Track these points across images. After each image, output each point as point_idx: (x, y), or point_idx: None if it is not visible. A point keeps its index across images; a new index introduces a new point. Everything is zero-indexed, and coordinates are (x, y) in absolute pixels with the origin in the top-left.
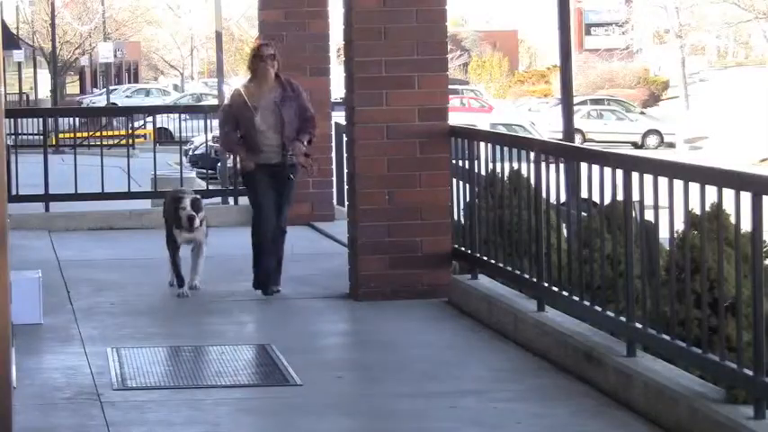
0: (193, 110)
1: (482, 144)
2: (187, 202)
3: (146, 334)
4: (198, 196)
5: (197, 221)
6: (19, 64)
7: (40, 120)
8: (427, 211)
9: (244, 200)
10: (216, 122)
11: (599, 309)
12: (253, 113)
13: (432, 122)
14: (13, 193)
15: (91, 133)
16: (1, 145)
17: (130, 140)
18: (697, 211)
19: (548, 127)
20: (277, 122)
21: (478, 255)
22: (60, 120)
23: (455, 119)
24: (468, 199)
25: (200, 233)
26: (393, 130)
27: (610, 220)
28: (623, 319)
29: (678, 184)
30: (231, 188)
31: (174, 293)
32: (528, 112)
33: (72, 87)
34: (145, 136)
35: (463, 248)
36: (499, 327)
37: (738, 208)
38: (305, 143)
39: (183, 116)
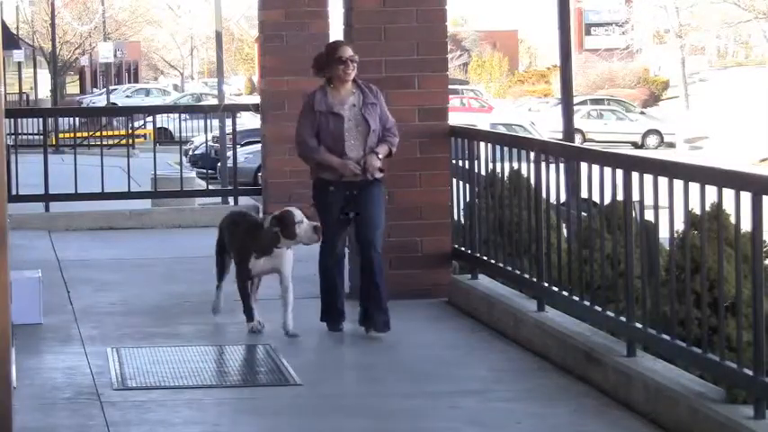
0: (193, 110)
1: (482, 144)
2: (299, 215)
3: (146, 334)
4: (299, 206)
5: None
6: (19, 64)
7: (40, 120)
8: (427, 211)
9: (244, 200)
10: (216, 122)
11: (599, 309)
12: (339, 121)
13: (432, 122)
14: (13, 193)
15: (91, 133)
16: (1, 145)
17: (130, 140)
18: (697, 211)
19: (548, 127)
20: (363, 131)
21: (478, 255)
22: (60, 120)
23: (455, 119)
24: (468, 199)
25: (287, 260)
26: None
27: (610, 220)
28: (623, 319)
29: (678, 184)
30: (231, 188)
31: (230, 323)
32: (528, 112)
33: (72, 87)
34: (145, 136)
35: (463, 248)
36: (499, 327)
37: (738, 208)
38: (381, 156)
39: (182, 116)
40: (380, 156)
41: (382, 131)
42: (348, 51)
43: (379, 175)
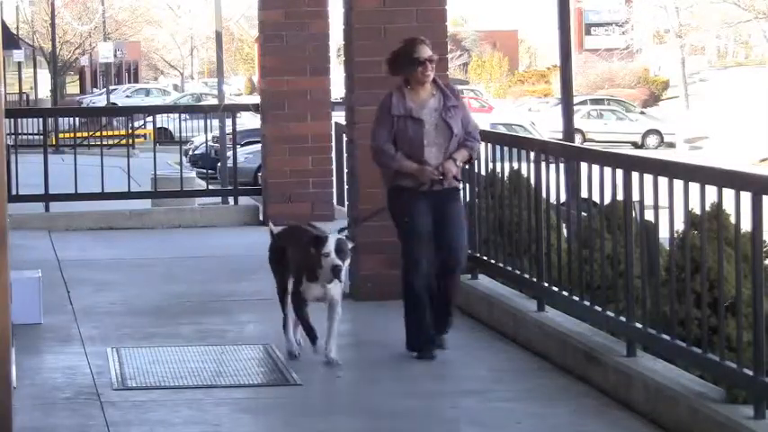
0: (193, 110)
1: (482, 144)
2: (331, 246)
3: (146, 334)
4: (343, 236)
5: (342, 273)
6: (19, 64)
7: (40, 120)
8: None
9: (244, 200)
10: (216, 122)
11: (599, 309)
12: (419, 126)
13: None
14: (13, 193)
15: (91, 133)
16: (1, 145)
17: (130, 140)
18: (697, 211)
19: (548, 127)
20: (444, 136)
21: (478, 255)
22: (60, 120)
23: None
24: (468, 199)
25: (339, 290)
26: None
27: (610, 220)
28: (623, 319)
29: (678, 184)
30: (231, 188)
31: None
32: (528, 112)
33: (72, 87)
34: (145, 136)
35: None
36: (499, 327)
37: (738, 208)
38: (459, 162)
39: (182, 116)
40: (459, 162)
41: (463, 135)
42: (426, 51)
43: (455, 183)
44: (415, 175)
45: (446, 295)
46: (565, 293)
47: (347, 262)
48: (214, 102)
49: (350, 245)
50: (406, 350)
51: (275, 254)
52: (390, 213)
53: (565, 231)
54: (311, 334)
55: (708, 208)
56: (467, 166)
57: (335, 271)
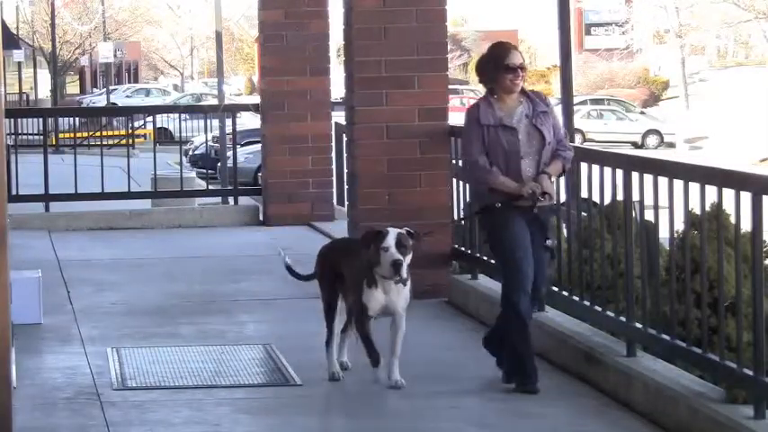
0: (193, 110)
1: None
2: (391, 240)
3: (146, 334)
4: (404, 230)
5: (403, 269)
6: (19, 64)
7: (40, 120)
8: (427, 211)
9: (244, 200)
10: (216, 122)
11: (599, 309)
12: (513, 135)
13: (432, 122)
14: (13, 193)
15: (91, 133)
16: (1, 145)
17: (130, 140)
18: (697, 211)
19: None
20: (537, 145)
21: (478, 255)
22: (60, 120)
23: (455, 119)
24: (468, 199)
25: (403, 302)
26: (393, 130)
27: (610, 220)
28: (623, 319)
29: (678, 184)
30: (231, 188)
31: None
32: None
33: (72, 87)
34: (145, 136)
35: (463, 248)
36: None
37: (738, 208)
38: (553, 177)
39: (182, 116)
40: (553, 177)
41: (555, 144)
42: (518, 58)
43: (548, 201)
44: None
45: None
46: (565, 293)
47: (408, 257)
48: (214, 102)
49: (411, 241)
50: (503, 381)
51: (325, 269)
52: (487, 234)
53: (565, 231)
54: (374, 356)
55: (708, 208)
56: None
57: (395, 266)
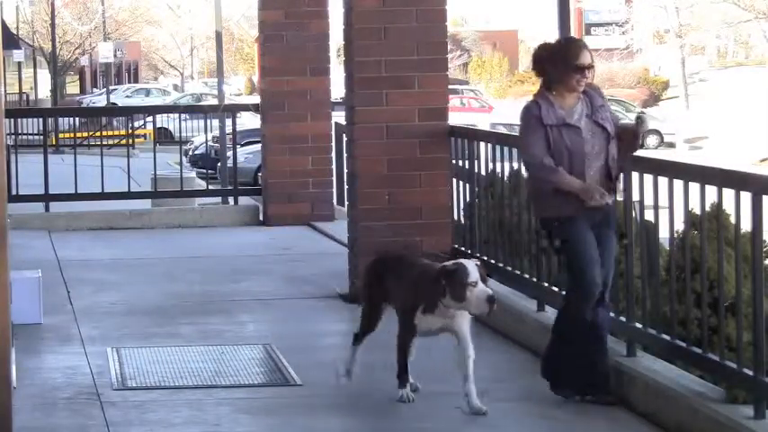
0: (193, 110)
1: (482, 144)
2: (476, 274)
3: (146, 334)
4: (476, 262)
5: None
6: (19, 64)
7: (40, 120)
8: (427, 211)
9: (244, 200)
10: (216, 122)
11: None
12: (577, 134)
13: (432, 122)
14: (13, 193)
15: (91, 133)
16: (1, 145)
17: (130, 140)
18: (697, 211)
19: None
20: (601, 142)
21: (478, 255)
22: (60, 120)
23: (455, 119)
24: (468, 199)
25: (466, 321)
26: (393, 130)
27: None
28: (623, 319)
29: (678, 184)
30: (231, 188)
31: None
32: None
33: (72, 87)
34: (145, 136)
35: (463, 248)
36: (499, 327)
37: (738, 208)
38: (621, 180)
39: (182, 116)
40: (620, 178)
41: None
42: (588, 57)
43: (611, 198)
44: (574, 195)
45: (596, 326)
46: (565, 293)
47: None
48: (214, 102)
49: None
50: (556, 393)
51: (371, 286)
52: (559, 235)
53: None
54: (404, 376)
55: (708, 208)
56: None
57: (490, 300)
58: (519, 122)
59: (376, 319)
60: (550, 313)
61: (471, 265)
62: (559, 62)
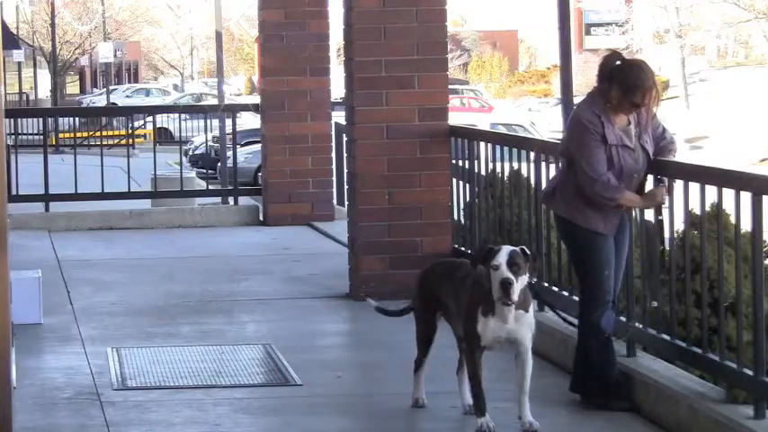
0: (193, 110)
1: (482, 144)
2: (502, 257)
3: (146, 334)
4: (518, 249)
5: (514, 291)
6: (19, 64)
7: (40, 120)
8: (427, 211)
9: (244, 200)
10: (216, 122)
11: None
12: (632, 157)
13: (432, 122)
14: (13, 193)
15: (91, 133)
16: (1, 145)
17: (130, 140)
18: (697, 211)
19: (548, 127)
20: (643, 163)
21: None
22: (60, 120)
23: (455, 119)
24: (468, 199)
25: (528, 331)
26: (393, 130)
27: None
28: (623, 319)
29: (678, 184)
30: (231, 188)
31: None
32: (528, 112)
33: (72, 87)
34: (145, 136)
35: (463, 248)
36: None
37: (738, 208)
38: (666, 185)
39: (182, 116)
40: (666, 186)
41: (658, 145)
42: (648, 98)
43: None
44: (614, 211)
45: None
46: (565, 293)
47: (523, 278)
48: (214, 102)
49: (526, 261)
50: (585, 400)
51: (423, 296)
52: (573, 247)
53: None
54: (480, 402)
55: (708, 208)
56: None
57: (504, 285)
58: (573, 128)
59: (431, 335)
60: (550, 313)
61: (504, 249)
62: (622, 91)
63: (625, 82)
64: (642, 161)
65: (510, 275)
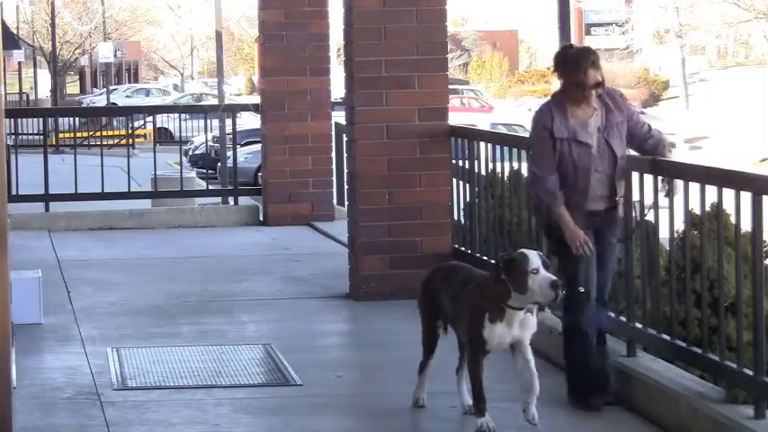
0: (193, 110)
1: (482, 144)
2: (537, 260)
3: (146, 334)
4: (519, 254)
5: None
6: (19, 64)
7: (40, 120)
8: (427, 211)
9: (244, 200)
10: (216, 122)
11: None
12: (585, 152)
13: (432, 122)
14: (13, 193)
15: (91, 133)
16: (1, 145)
17: (130, 140)
18: (697, 211)
19: None
20: (609, 160)
21: (478, 255)
22: (60, 120)
23: (455, 119)
24: (468, 199)
25: (532, 328)
26: (393, 130)
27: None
28: (623, 319)
29: (678, 184)
30: (231, 188)
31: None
32: (528, 112)
33: (72, 87)
34: (145, 136)
35: (463, 248)
36: None
37: (738, 208)
38: (671, 184)
39: (182, 116)
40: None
41: (642, 141)
42: (599, 75)
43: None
44: (578, 208)
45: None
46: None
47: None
48: (214, 102)
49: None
50: (571, 400)
51: (427, 300)
52: (556, 242)
53: None
54: (481, 404)
55: (708, 208)
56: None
57: (554, 286)
58: (531, 124)
59: (435, 339)
60: (549, 313)
61: (532, 253)
62: (563, 75)
63: (563, 65)
64: (606, 158)
65: (554, 277)
